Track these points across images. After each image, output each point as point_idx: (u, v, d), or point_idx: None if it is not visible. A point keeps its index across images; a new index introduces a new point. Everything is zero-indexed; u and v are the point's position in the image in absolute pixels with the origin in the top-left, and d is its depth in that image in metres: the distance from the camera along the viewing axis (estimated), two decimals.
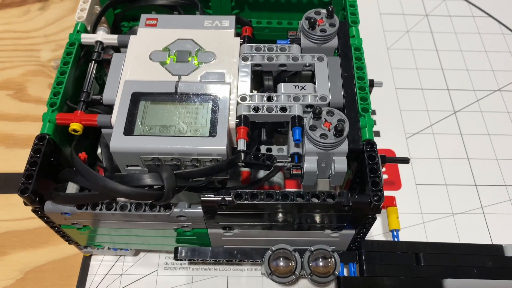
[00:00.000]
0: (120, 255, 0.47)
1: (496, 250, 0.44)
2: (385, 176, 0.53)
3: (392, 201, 0.46)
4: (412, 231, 0.49)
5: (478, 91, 0.61)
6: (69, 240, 0.42)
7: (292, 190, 0.34)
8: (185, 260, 0.41)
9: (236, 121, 0.37)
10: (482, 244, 0.44)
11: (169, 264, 0.47)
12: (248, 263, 0.46)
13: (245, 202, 0.34)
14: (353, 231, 0.38)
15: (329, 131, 0.36)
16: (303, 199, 0.33)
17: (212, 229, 0.38)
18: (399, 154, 0.55)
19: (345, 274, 0.44)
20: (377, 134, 0.56)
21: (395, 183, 0.52)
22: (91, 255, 0.47)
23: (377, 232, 0.49)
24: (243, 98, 0.39)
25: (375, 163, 0.35)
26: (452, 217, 0.50)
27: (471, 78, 0.62)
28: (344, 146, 0.36)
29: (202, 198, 0.34)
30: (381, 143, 0.56)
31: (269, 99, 0.39)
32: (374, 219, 0.35)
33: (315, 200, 0.33)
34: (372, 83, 0.47)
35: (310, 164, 0.36)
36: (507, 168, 0.54)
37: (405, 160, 0.43)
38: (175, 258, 0.41)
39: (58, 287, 0.45)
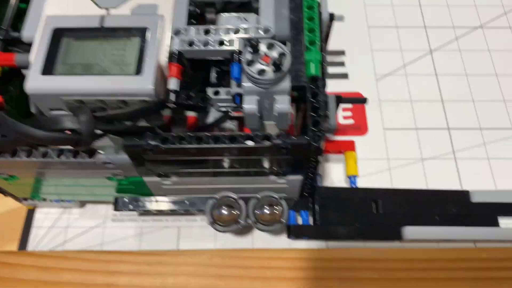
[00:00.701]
0: (66, 207, 0.44)
1: (462, 196, 0.41)
2: (351, 121, 0.49)
3: (350, 145, 0.42)
4: (378, 177, 0.46)
5: (458, 28, 0.56)
6: (4, 192, 0.40)
7: (227, 133, 0.31)
8: (125, 211, 0.39)
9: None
10: (447, 190, 0.42)
11: (117, 216, 0.44)
12: (201, 213, 0.44)
13: (173, 146, 0.30)
14: (300, 177, 0.35)
15: (269, 66, 0.32)
16: (236, 142, 0.30)
17: (148, 177, 0.35)
18: (368, 97, 0.51)
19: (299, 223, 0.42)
20: (345, 76, 0.52)
21: (361, 128, 0.49)
22: (35, 208, 0.45)
23: (339, 179, 0.46)
24: (177, 32, 0.35)
25: (318, 101, 0.31)
26: (421, 162, 0.47)
27: (451, 14, 0.57)
28: (286, 84, 0.32)
29: (124, 143, 0.30)
30: (349, 86, 0.52)
31: (207, 32, 0.35)
32: (318, 162, 0.32)
33: (250, 143, 0.30)
34: (331, 17, 0.42)
35: (249, 104, 0.33)
36: (483, 110, 0.50)
37: (362, 100, 0.39)
38: (116, 209, 0.39)
39: (0, 241, 0.43)
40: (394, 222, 0.39)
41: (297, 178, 0.35)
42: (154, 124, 0.38)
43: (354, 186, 0.41)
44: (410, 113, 0.50)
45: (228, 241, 0.43)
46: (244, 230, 0.43)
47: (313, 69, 0.33)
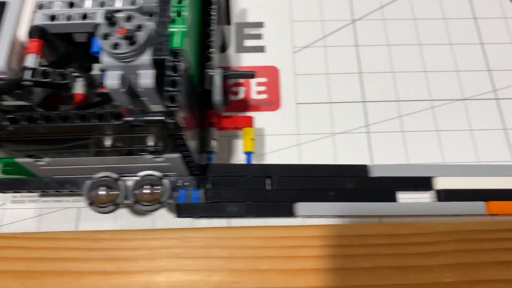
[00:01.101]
0: None
1: (360, 170, 0.40)
2: (264, 96, 0.48)
3: (248, 121, 0.41)
4: (286, 153, 0.45)
5: None
6: None
7: (82, 112, 0.30)
8: (9, 192, 0.38)
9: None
10: (345, 165, 0.41)
11: (17, 197, 0.44)
12: None
13: (21, 125, 0.29)
14: (178, 155, 0.34)
15: (124, 39, 0.30)
16: (85, 121, 0.29)
17: (20, 159, 0.34)
18: (284, 70, 0.49)
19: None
20: (262, 49, 0.51)
21: (274, 103, 0.48)
22: None
23: (242, 157, 0.45)
24: (41, 6, 0.33)
25: (176, 75, 0.30)
26: (332, 137, 0.46)
27: None
28: (146, 57, 0.31)
29: None
30: (265, 59, 0.50)
31: (71, 5, 0.33)
32: (182, 139, 0.31)
33: (96, 121, 0.29)
34: None
35: (111, 80, 0.31)
36: (403, 81, 0.49)
37: (249, 75, 0.38)
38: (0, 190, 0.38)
39: None
40: (287, 198, 0.38)
41: (175, 156, 0.34)
42: (32, 103, 0.36)
43: (249, 163, 0.40)
44: (325, 86, 0.49)
45: (129, 221, 0.42)
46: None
47: (177, 42, 0.31)
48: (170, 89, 0.30)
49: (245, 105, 0.47)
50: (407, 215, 0.40)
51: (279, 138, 0.46)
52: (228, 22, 0.45)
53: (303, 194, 0.38)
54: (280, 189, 0.39)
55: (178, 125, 0.30)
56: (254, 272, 0.37)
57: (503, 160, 0.45)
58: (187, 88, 0.34)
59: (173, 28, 0.32)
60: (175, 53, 0.31)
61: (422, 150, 0.45)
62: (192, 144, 0.34)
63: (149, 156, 0.34)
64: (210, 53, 0.37)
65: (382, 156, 0.45)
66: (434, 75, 0.49)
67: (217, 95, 0.36)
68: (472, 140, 0.46)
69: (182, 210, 0.37)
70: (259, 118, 0.47)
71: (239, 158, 0.44)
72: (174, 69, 0.30)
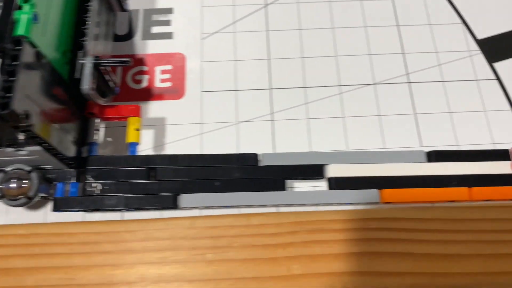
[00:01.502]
0: None
1: (249, 159, 0.39)
2: (168, 84, 0.47)
3: (134, 111, 0.40)
4: (188, 143, 0.44)
5: None
6: None
7: None
8: None
9: None
10: (234, 154, 0.39)
11: None
12: None
13: None
14: (38, 148, 0.33)
15: None
16: None
17: None
18: (190, 57, 0.48)
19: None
20: (169, 36, 0.49)
21: (178, 91, 0.46)
22: None
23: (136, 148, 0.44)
24: None
25: (15, 64, 0.29)
26: (236, 126, 0.45)
27: None
28: None
29: None
30: (172, 46, 0.48)
31: None
32: (31, 131, 0.30)
33: None
34: None
35: None
36: (312, 67, 0.47)
37: (125, 62, 0.36)
38: None
39: None
40: (171, 190, 0.37)
41: (37, 149, 0.33)
42: None
43: (133, 154, 0.39)
44: (232, 74, 0.47)
45: (19, 215, 0.41)
46: (37, 204, 0.41)
47: (21, 29, 0.30)
48: (6, 78, 0.28)
49: (148, 94, 0.46)
50: (297, 204, 0.38)
51: (181, 128, 0.45)
52: (121, 8, 0.44)
53: (188, 185, 0.37)
54: (164, 180, 0.37)
55: (16, 117, 0.28)
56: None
57: (411, 146, 0.44)
58: (47, 78, 0.32)
59: (19, 15, 0.30)
60: (17, 41, 0.29)
61: (326, 138, 0.44)
62: (59, 135, 0.33)
63: (10, 149, 0.33)
64: (83, 40, 0.36)
65: (285, 144, 0.44)
66: (345, 59, 0.48)
67: (85, 84, 0.34)
68: (380, 126, 0.45)
69: (58, 204, 0.36)
70: (162, 107, 0.45)
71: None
72: (14, 58, 0.29)
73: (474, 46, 0.48)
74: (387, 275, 0.31)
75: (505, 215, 0.32)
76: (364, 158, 0.40)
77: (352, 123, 0.45)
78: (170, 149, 0.44)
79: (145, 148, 0.43)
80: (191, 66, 0.47)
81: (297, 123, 0.45)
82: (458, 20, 0.50)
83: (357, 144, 0.44)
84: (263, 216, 0.34)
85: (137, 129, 0.39)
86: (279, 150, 0.43)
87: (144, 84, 0.46)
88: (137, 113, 0.40)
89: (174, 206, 0.37)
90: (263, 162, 0.39)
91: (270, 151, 0.43)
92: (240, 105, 0.46)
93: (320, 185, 0.41)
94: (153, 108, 0.45)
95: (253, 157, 0.39)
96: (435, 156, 0.40)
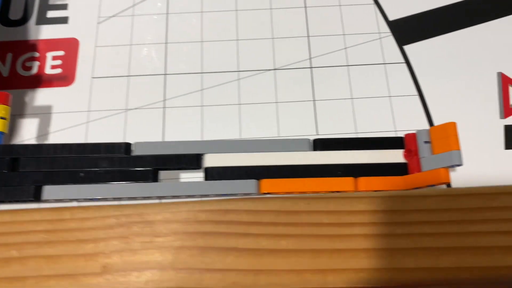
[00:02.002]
0: None
1: (120, 149, 0.37)
2: (58, 70, 0.44)
3: (1, 98, 0.37)
4: (73, 132, 0.42)
5: None
6: None
7: None
8: None
9: None
10: (103, 143, 0.37)
11: None
12: None
13: None
14: None
15: None
16: None
17: None
18: (84, 42, 0.45)
19: None
20: (65, 20, 0.46)
21: (68, 78, 0.44)
22: None
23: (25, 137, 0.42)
24: None
25: None
26: (125, 113, 0.42)
27: None
28: None
29: None
30: (67, 31, 0.46)
31: None
32: None
33: None
34: None
35: None
36: (211, 51, 0.44)
37: None
38: None
39: None
40: (35, 181, 0.35)
41: None
42: None
43: None
44: (127, 59, 0.45)
45: None
46: None
47: None
48: None
49: (37, 81, 0.44)
50: (170, 196, 0.36)
51: (68, 116, 0.42)
52: None
53: (52, 176, 0.35)
54: (26, 172, 0.35)
55: None
56: None
57: (307, 134, 0.41)
58: None
59: None
60: None
61: (221, 126, 0.41)
62: None
63: None
64: None
65: (176, 132, 0.41)
66: (246, 43, 0.45)
67: None
68: (276, 114, 0.42)
69: None
70: (50, 94, 0.43)
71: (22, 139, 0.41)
72: None
73: (385, 28, 0.46)
74: (209, 271, 0.29)
75: (345, 207, 0.29)
76: (245, 147, 0.37)
77: (248, 110, 0.42)
78: (54, 139, 0.41)
79: (28, 138, 0.41)
80: (84, 52, 0.45)
81: (191, 110, 0.42)
82: (370, 0, 0.47)
83: (252, 133, 0.41)
84: (81, 210, 0.31)
85: (3, 118, 0.37)
86: (169, 139, 0.41)
87: (34, 70, 0.44)
88: (5, 101, 0.37)
89: (36, 198, 0.35)
90: (135, 152, 0.37)
91: (159, 139, 0.41)
92: (132, 91, 0.43)
93: (200, 176, 0.39)
94: (41, 96, 0.43)
95: (124, 146, 0.37)
96: (320, 144, 0.37)
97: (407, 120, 0.41)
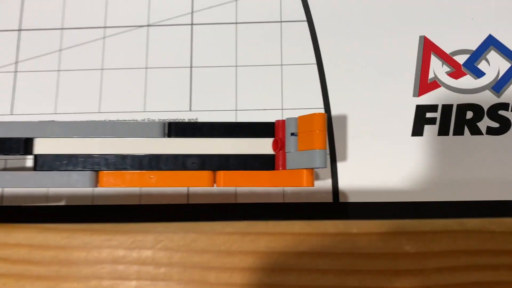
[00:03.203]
0: None
1: None
2: None
3: None
4: None
5: None
6: None
7: None
8: None
9: None
10: None
11: None
12: None
13: None
14: None
15: None
16: None
17: None
18: None
19: None
20: None
21: None
22: None
23: None
24: None
25: None
26: None
27: None
28: None
29: None
30: None
31: None
32: None
33: None
34: None
35: None
36: (75, 3, 0.37)
37: None
38: None
39: None
40: None
41: None
42: None
43: None
44: None
45: None
46: None
47: None
48: None
49: None
50: None
51: None
52: None
53: None
54: None
55: None
56: None
57: (177, 109, 0.35)
58: None
59: None
60: None
61: (79, 98, 0.35)
62: None
63: None
64: None
65: (27, 105, 0.35)
66: None
67: None
68: (144, 82, 0.35)
69: None
70: None
71: None
72: None
73: None
74: None
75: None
76: (85, 130, 0.31)
77: (112, 76, 0.35)
78: None
79: None
80: None
81: (45, 76, 0.36)
82: None
83: (112, 107, 0.35)
84: None
85: None
86: (18, 112, 0.35)
87: None
88: None
89: None
90: None
91: (8, 114, 0.35)
92: None
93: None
94: None
95: None
96: (175, 129, 0.31)
97: (299, 98, 0.34)
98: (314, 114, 0.28)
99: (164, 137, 0.31)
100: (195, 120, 0.34)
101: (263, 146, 0.31)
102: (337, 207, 0.32)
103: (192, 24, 0.36)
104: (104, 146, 0.31)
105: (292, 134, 0.29)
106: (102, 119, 0.34)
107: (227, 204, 0.33)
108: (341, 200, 0.32)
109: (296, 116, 0.30)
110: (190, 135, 0.31)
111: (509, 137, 0.33)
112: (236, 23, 0.36)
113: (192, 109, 0.34)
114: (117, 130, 0.31)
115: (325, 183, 0.33)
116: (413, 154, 0.33)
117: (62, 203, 0.33)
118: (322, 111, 0.34)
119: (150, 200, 0.33)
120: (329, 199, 0.33)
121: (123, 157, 0.31)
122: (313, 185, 0.28)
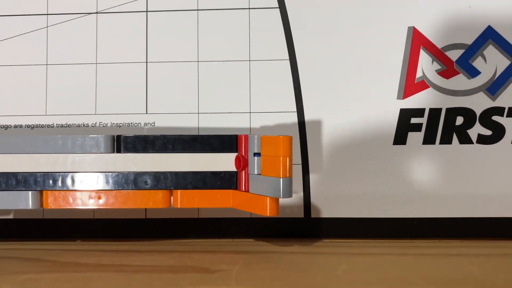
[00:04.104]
0: None
1: None
2: None
3: None
4: None
5: None
6: None
7: None
8: None
9: None
10: None
11: None
12: None
13: None
14: None
15: None
16: None
17: None
18: None
19: None
20: None
21: None
22: None
23: None
24: None
25: None
26: None
27: None
28: None
29: None
30: None
31: None
32: None
33: None
34: None
35: None
36: None
37: None
38: None
39: None
40: None
41: None
42: None
43: None
44: None
45: None
46: None
47: None
48: None
49: None
50: None
51: None
52: None
53: None
54: None
55: None
56: None
57: (132, 111, 0.31)
58: None
59: None
60: None
61: (18, 98, 0.31)
62: None
63: None
64: None
65: None
66: None
67: None
68: (94, 80, 0.31)
69: None
70: None
71: None
72: None
73: None
74: None
75: None
76: (26, 145, 0.27)
77: (57, 73, 0.31)
78: None
79: None
80: None
81: None
82: None
83: (59, 110, 0.31)
84: None
85: None
86: None
87: None
88: None
89: None
90: None
91: None
92: None
93: None
94: None
95: None
96: (124, 143, 0.27)
97: (269, 100, 0.30)
98: (279, 137, 0.24)
99: (112, 152, 0.27)
100: (152, 125, 0.31)
101: (224, 162, 0.27)
102: (308, 223, 0.30)
103: (147, 11, 0.31)
104: (48, 163, 0.27)
105: (255, 154, 0.26)
106: (49, 123, 0.31)
107: (189, 219, 0.30)
108: (313, 215, 0.30)
109: (262, 130, 0.26)
110: (142, 151, 0.27)
111: (501, 147, 0.29)
112: (198, 10, 0.31)
113: (148, 112, 0.31)
114: (60, 146, 0.27)
115: (296, 197, 0.30)
116: (394, 165, 0.29)
117: (10, 216, 0.31)
118: (295, 114, 0.30)
119: (106, 214, 0.31)
120: (300, 214, 0.30)
121: (68, 175, 0.27)
122: (277, 214, 0.25)
